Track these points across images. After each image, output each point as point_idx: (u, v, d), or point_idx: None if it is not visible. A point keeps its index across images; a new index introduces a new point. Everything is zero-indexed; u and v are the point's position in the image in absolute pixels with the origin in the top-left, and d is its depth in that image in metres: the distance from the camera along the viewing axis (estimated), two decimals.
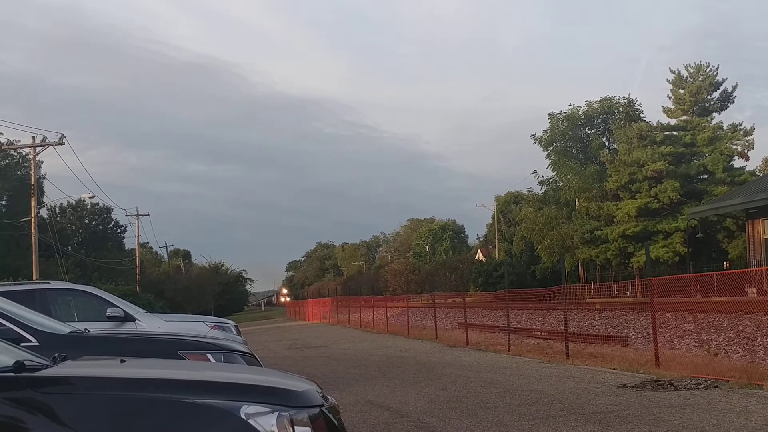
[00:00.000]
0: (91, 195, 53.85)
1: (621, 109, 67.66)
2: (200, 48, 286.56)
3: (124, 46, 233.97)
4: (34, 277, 38.78)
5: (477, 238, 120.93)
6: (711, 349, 20.23)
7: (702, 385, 12.46)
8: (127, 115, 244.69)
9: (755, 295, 29.51)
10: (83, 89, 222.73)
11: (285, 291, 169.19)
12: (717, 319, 23.78)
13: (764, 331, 20.87)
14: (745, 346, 20.27)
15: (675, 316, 25.72)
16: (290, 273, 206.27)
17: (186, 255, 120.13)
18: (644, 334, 24.18)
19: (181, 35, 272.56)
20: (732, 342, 21.07)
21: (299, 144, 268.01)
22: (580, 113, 68.97)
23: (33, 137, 42.65)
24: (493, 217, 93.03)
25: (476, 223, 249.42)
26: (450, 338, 28.06)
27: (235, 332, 14.21)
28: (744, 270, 34.09)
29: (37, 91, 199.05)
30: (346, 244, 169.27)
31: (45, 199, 60.97)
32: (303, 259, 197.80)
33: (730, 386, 12.34)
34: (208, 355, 8.14)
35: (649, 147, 59.40)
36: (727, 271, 37.83)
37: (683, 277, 33.98)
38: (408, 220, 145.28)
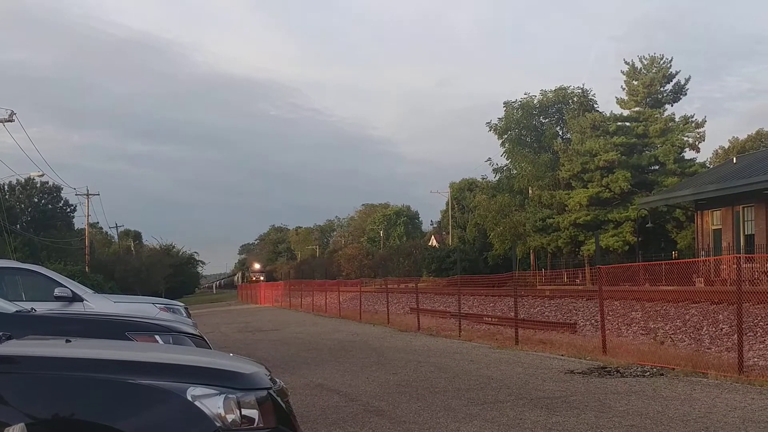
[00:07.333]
0: (40, 173, 53.11)
1: (575, 98, 68.23)
2: (141, 25, 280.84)
3: (60, 23, 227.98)
4: None
5: (431, 225, 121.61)
6: (658, 337, 20.54)
7: (648, 373, 12.66)
8: (68, 94, 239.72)
9: (702, 284, 30.07)
10: (21, 65, 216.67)
11: (257, 266, 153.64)
12: (664, 307, 24.16)
13: (710, 320, 21.26)
14: (691, 334, 20.63)
15: (623, 304, 26.06)
16: (243, 256, 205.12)
17: (137, 236, 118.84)
18: (593, 321, 24.49)
19: (122, 11, 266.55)
20: (678, 331, 21.42)
21: (246, 125, 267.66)
22: (535, 102, 69.42)
23: None
24: (447, 204, 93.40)
25: (431, 209, 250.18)
26: (402, 323, 28.17)
27: (185, 314, 14.11)
28: (692, 260, 34.65)
29: None
30: (300, 227, 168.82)
31: None
32: (256, 242, 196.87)
33: (676, 374, 12.55)
34: (157, 337, 8.06)
35: (601, 137, 60.00)
36: (675, 261, 38.45)
37: (632, 265, 34.40)
38: (363, 205, 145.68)
